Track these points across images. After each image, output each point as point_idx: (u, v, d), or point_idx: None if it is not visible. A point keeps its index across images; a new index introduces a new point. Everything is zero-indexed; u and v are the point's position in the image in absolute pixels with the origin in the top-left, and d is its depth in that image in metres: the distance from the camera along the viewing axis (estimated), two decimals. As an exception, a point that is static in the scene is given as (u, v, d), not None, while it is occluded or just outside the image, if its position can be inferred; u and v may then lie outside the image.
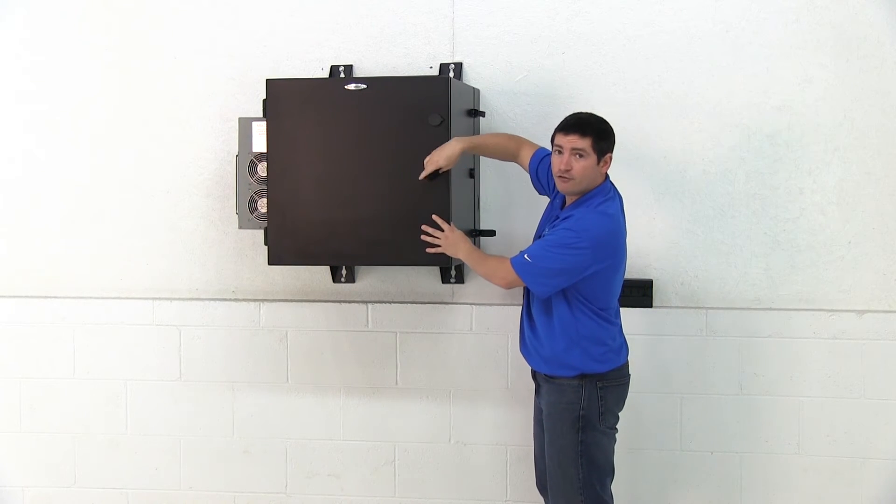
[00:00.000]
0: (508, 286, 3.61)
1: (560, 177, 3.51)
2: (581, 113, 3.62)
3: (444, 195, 3.75)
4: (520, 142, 3.87)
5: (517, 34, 4.20)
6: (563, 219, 3.53)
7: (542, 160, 3.78)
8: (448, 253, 3.72)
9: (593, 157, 3.49)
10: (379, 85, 3.85)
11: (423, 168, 3.72)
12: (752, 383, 4.14)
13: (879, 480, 4.10)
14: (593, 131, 3.50)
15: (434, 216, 3.72)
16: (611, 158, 3.56)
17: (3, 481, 4.55)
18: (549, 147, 3.72)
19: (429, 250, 3.72)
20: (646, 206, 4.14)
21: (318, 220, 3.86)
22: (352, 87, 3.81)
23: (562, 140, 3.51)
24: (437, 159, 3.68)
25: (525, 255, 3.51)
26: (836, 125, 4.07)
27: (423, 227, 3.72)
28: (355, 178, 3.82)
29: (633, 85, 4.15)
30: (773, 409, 4.14)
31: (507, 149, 3.86)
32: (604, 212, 3.51)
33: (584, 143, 3.47)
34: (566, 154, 3.49)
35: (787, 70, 4.08)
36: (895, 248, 4.07)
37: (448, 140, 3.73)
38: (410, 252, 3.78)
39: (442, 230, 3.71)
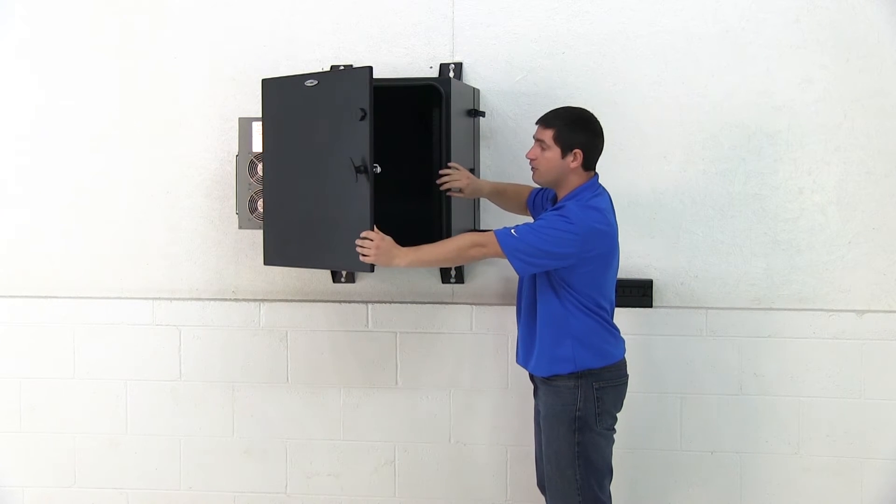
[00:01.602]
0: (482, 256, 3.53)
1: (531, 167, 3.59)
2: (566, 106, 3.63)
3: (365, 200, 3.47)
4: (527, 190, 3.94)
5: (517, 34, 4.20)
6: (555, 209, 3.53)
7: (535, 196, 3.86)
8: (381, 263, 3.49)
9: (556, 150, 3.51)
10: (325, 81, 3.64)
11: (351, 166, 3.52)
12: (752, 383, 4.14)
13: (879, 480, 4.10)
14: (558, 123, 3.52)
15: (364, 232, 3.48)
16: (581, 155, 3.51)
17: (3, 481, 4.55)
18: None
19: (362, 259, 3.49)
20: (646, 206, 4.14)
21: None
22: (309, 83, 3.66)
23: (535, 130, 3.59)
24: (458, 180, 3.76)
25: (511, 230, 3.47)
26: (836, 125, 4.07)
27: (357, 241, 3.49)
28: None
29: (633, 85, 4.15)
30: (773, 409, 4.14)
31: (521, 198, 3.94)
32: (595, 206, 3.51)
33: (544, 135, 3.52)
34: (534, 144, 3.56)
35: (787, 70, 4.08)
36: (895, 248, 4.07)
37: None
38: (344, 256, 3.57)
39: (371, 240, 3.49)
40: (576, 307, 3.50)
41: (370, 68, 3.48)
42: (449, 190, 3.81)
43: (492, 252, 3.48)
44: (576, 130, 3.52)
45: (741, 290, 4.14)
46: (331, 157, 3.56)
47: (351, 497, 4.39)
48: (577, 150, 3.50)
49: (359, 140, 3.46)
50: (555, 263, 3.45)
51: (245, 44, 4.34)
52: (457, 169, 3.82)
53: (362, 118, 3.45)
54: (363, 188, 3.47)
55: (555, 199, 3.66)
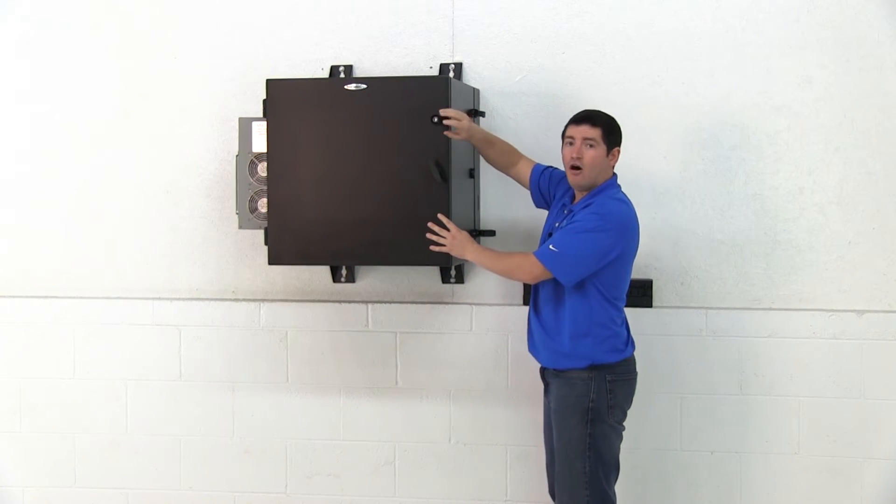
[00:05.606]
0: (535, 280, 3.61)
1: (572, 167, 3.58)
2: (589, 109, 3.69)
3: (445, 195, 3.75)
4: (519, 154, 3.92)
5: (517, 34, 4.20)
6: (583, 207, 3.57)
7: (542, 173, 3.84)
8: (454, 254, 3.72)
9: (603, 148, 3.57)
10: (379, 85, 3.85)
11: (424, 169, 3.74)
12: (752, 383, 4.14)
13: (879, 480, 4.10)
14: (603, 123, 3.59)
15: (440, 215, 3.73)
16: (619, 153, 3.63)
17: (3, 481, 4.55)
18: (543, 163, 3.77)
19: (433, 248, 3.72)
20: (646, 205, 4.13)
21: (318, 219, 3.86)
22: (352, 87, 3.82)
23: (573, 131, 3.59)
24: (459, 121, 3.70)
25: (550, 246, 3.53)
26: (836, 125, 4.07)
27: (430, 225, 3.72)
28: (355, 177, 3.82)
29: (633, 85, 4.15)
30: (773, 409, 4.13)
31: (510, 156, 3.91)
32: (621, 199, 3.61)
33: (594, 133, 3.56)
34: (577, 143, 3.57)
35: (787, 70, 4.08)
36: (895, 248, 4.07)
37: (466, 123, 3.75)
38: (411, 252, 3.79)
39: (448, 230, 3.71)
40: (599, 303, 3.56)
41: (449, 79, 3.79)
42: (448, 129, 3.75)
43: (541, 275, 3.54)
44: (616, 130, 3.63)
45: (741, 290, 4.14)
46: (401, 157, 3.77)
47: (351, 497, 4.39)
48: (617, 149, 3.61)
49: (437, 142, 3.71)
50: (599, 263, 3.51)
51: (245, 44, 4.34)
52: (458, 119, 3.75)
53: (438, 122, 3.69)
54: (441, 185, 3.74)
55: (573, 197, 3.68)
